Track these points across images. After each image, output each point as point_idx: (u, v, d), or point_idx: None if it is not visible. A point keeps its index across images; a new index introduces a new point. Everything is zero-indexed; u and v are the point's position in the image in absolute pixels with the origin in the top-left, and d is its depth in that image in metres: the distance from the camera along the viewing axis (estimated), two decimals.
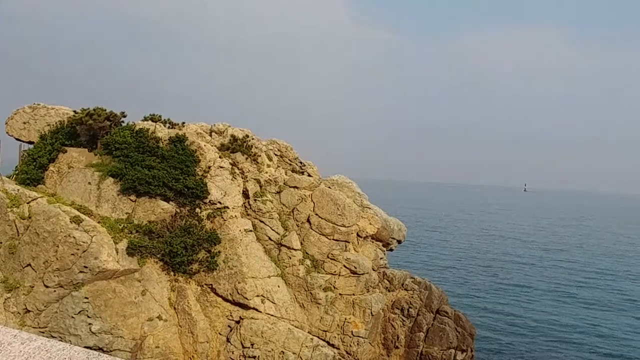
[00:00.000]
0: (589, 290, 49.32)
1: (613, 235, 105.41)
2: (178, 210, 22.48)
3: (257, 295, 21.60)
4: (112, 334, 18.85)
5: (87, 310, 18.77)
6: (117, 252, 19.73)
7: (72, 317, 18.61)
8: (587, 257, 70.91)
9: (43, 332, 18.35)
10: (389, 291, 26.77)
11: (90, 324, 18.67)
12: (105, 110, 24.06)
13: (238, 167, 24.75)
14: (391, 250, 29.02)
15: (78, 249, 18.83)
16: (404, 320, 26.14)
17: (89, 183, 22.04)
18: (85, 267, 18.77)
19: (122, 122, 24.66)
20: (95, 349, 18.36)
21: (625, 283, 53.29)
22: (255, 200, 24.17)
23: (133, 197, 22.14)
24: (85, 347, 18.22)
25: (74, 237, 18.92)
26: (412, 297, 26.91)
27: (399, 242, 29.04)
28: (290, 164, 27.95)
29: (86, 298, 18.86)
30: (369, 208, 26.84)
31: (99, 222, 20.53)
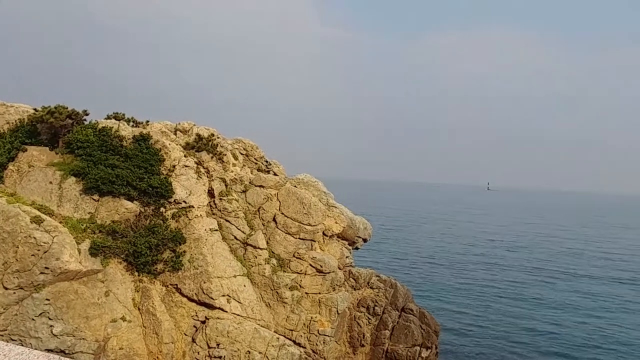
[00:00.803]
0: (549, 289, 50.49)
1: (574, 234, 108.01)
2: (142, 210, 22.22)
3: (223, 295, 21.52)
4: (74, 336, 18.51)
5: (48, 312, 18.38)
6: (79, 253, 19.38)
7: (33, 319, 18.21)
8: (548, 255, 72.57)
9: (2, 335, 17.91)
10: (354, 289, 27.00)
11: (51, 326, 18.29)
12: (67, 108, 23.58)
13: (203, 166, 24.61)
14: (357, 248, 29.25)
15: (39, 250, 18.43)
16: (370, 319, 26.40)
17: (50, 182, 21.59)
18: (47, 268, 18.38)
19: (85, 120, 24.22)
20: (57, 352, 18.03)
21: (585, 283, 54.62)
22: (220, 199, 24.07)
23: (96, 197, 21.78)
24: (46, 349, 17.87)
25: (35, 238, 18.51)
26: (378, 295, 27.19)
27: (365, 240, 29.29)
28: (256, 163, 27.92)
29: (47, 300, 18.47)
30: (335, 207, 26.99)
31: (60, 222, 20.13)
